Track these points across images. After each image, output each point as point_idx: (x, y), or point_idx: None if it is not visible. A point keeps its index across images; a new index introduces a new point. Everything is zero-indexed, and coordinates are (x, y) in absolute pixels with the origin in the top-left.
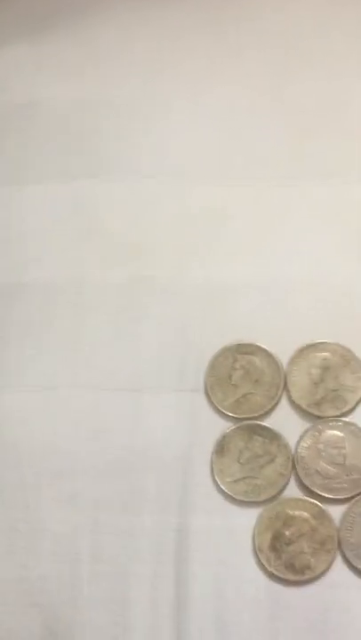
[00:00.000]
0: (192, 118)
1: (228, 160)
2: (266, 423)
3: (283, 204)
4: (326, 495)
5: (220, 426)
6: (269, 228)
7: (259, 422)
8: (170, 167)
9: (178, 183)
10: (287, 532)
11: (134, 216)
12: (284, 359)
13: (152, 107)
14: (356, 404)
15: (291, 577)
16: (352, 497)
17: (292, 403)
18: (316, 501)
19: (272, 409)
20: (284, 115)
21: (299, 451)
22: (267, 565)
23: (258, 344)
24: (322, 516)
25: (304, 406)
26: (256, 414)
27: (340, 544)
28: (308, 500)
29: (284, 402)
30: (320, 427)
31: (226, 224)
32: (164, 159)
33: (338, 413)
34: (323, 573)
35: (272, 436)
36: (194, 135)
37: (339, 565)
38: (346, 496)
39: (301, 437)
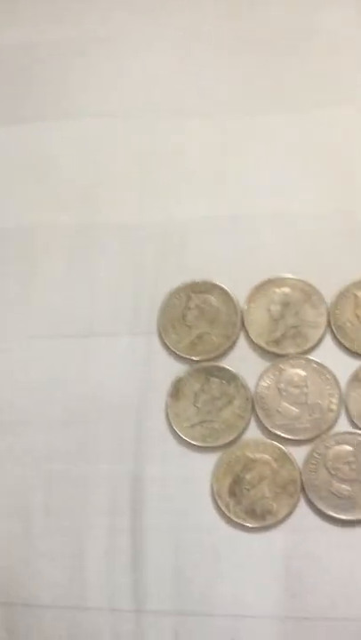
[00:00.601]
0: (145, 55)
1: (184, 95)
2: (223, 364)
3: (241, 138)
4: (288, 436)
5: (176, 369)
6: (228, 163)
7: (215, 363)
8: (123, 105)
9: (132, 121)
10: (247, 477)
11: (87, 157)
12: (242, 297)
13: (103, 45)
14: (319, 340)
15: (251, 523)
16: (315, 437)
17: (251, 341)
18: (277, 443)
19: (229, 349)
20: (240, 48)
21: (258, 391)
22: (226, 512)
23: (213, 282)
24: (284, 458)
25: (263, 345)
26: (212, 355)
27: (303, 487)
28: (269, 443)
29: (241, 341)
30: (281, 365)
31: (182, 161)
32: (118, 97)
33: (299, 351)
34: (285, 518)
35: (229, 376)
36: (147, 71)
37: (302, 509)
38: (308, 437)
39: (261, 377)
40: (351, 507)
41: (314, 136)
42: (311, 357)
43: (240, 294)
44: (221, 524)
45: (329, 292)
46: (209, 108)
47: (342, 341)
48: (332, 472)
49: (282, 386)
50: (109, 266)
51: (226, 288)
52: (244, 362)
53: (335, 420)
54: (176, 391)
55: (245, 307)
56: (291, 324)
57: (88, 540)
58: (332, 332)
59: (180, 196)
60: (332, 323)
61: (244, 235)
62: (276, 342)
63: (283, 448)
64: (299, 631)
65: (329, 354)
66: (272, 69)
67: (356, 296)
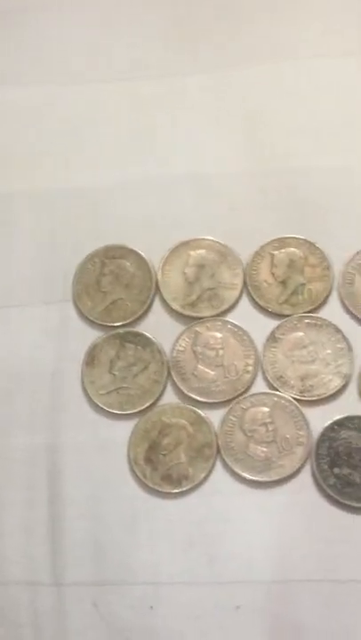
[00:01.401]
0: (59, 23)
1: (98, 60)
2: (138, 329)
3: (155, 101)
4: (204, 400)
5: (91, 336)
6: (140, 126)
7: (130, 329)
8: (34, 73)
9: (44, 88)
10: (163, 442)
11: (1, 126)
12: (157, 261)
13: (19, 14)
14: (235, 301)
15: (168, 489)
16: (231, 400)
17: (166, 305)
18: (193, 407)
19: (144, 314)
20: (153, 11)
21: (174, 355)
22: (143, 479)
23: (127, 246)
24: (200, 422)
25: (178, 308)
26: (128, 321)
27: (219, 450)
28: (184, 407)
29: (157, 305)
30: (196, 328)
31: (95, 126)
32: (28, 65)
33: (215, 313)
34: (201, 482)
35: (145, 342)
36: (61, 39)
37: (218, 472)
38: (225, 399)
39: (176, 341)
40: (267, 468)
41: (227, 97)
42: (227, 319)
43: (155, 258)
44: (139, 491)
45: (245, 252)
46: (123, 72)
47: (259, 302)
48: (249, 434)
49: (198, 349)
50: (22, 235)
51: (140, 252)
52: (159, 326)
53: (252, 382)
54: (91, 359)
55: (160, 271)
56: (206, 286)
57: (4, 512)
58: (248, 292)
59: (94, 161)
60: (248, 283)
61: (158, 198)
62: (192, 305)
63: (199, 412)
64: (216, 596)
65: (245, 315)
66: (186, 31)
67: (272, 255)
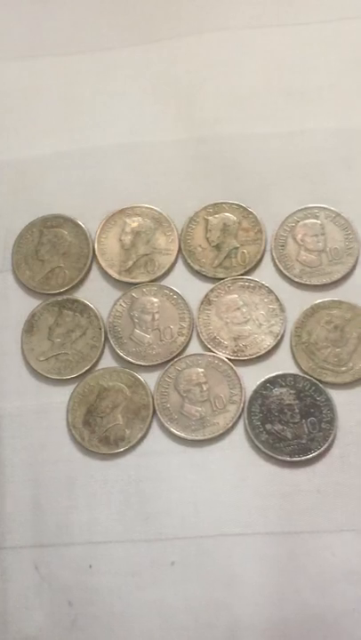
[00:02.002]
0: None
1: (32, 36)
2: (76, 296)
3: (87, 74)
4: (141, 363)
5: (31, 304)
6: (79, 96)
7: (68, 296)
8: None
9: None
10: (101, 405)
11: None
12: (94, 229)
13: None
14: (171, 266)
15: (106, 450)
16: (167, 362)
17: (103, 272)
18: (130, 370)
19: (82, 281)
20: None
21: (111, 320)
22: (81, 442)
23: (64, 215)
24: (136, 384)
25: (115, 274)
26: (66, 288)
27: (155, 411)
28: (122, 370)
29: (94, 273)
30: (133, 293)
31: (31, 100)
32: None
33: (151, 278)
34: (138, 443)
35: (82, 308)
36: None
37: (154, 433)
38: (160, 361)
39: (113, 306)
40: (201, 426)
41: (160, 68)
42: (163, 284)
43: (92, 227)
44: (77, 454)
45: (180, 218)
46: (56, 47)
47: (193, 266)
48: (183, 394)
49: (134, 314)
50: None
51: (77, 221)
52: (97, 293)
53: (186, 344)
54: (30, 326)
55: (97, 238)
56: (142, 252)
57: None
58: (183, 257)
59: (30, 134)
60: (183, 249)
61: (94, 168)
62: (128, 271)
63: (136, 375)
64: (152, 552)
65: (181, 279)
66: (118, 5)
67: (206, 220)
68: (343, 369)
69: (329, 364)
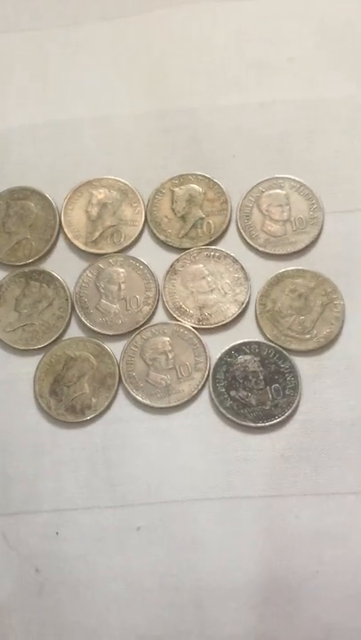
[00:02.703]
0: None
1: (4, 7)
2: (43, 267)
3: (58, 48)
4: (107, 332)
5: None
6: (47, 70)
7: (35, 267)
8: None
9: None
10: (68, 374)
11: None
12: (61, 201)
13: None
14: (137, 237)
15: (72, 419)
16: (133, 331)
17: (70, 243)
18: (96, 340)
19: (48, 253)
20: None
21: (77, 291)
22: (48, 411)
23: (31, 187)
24: (103, 353)
25: (81, 246)
26: (32, 259)
27: (120, 379)
28: (88, 340)
29: (61, 244)
30: (99, 264)
31: (2, 71)
32: None
33: (118, 249)
34: (104, 411)
35: (49, 279)
36: None
37: (120, 401)
38: (126, 331)
39: (80, 277)
40: (167, 394)
41: (126, 42)
42: (129, 254)
43: (58, 199)
44: (44, 423)
45: (147, 190)
46: (28, 21)
47: (159, 237)
48: (149, 363)
49: (101, 284)
50: None
51: (44, 193)
52: (63, 264)
53: (152, 314)
54: None
55: (63, 210)
56: (109, 223)
57: None
58: (149, 228)
59: (2, 109)
60: (149, 219)
61: (61, 140)
62: (95, 242)
63: (102, 344)
64: (118, 518)
65: (147, 250)
66: None
67: (172, 192)
68: (307, 336)
69: (293, 331)
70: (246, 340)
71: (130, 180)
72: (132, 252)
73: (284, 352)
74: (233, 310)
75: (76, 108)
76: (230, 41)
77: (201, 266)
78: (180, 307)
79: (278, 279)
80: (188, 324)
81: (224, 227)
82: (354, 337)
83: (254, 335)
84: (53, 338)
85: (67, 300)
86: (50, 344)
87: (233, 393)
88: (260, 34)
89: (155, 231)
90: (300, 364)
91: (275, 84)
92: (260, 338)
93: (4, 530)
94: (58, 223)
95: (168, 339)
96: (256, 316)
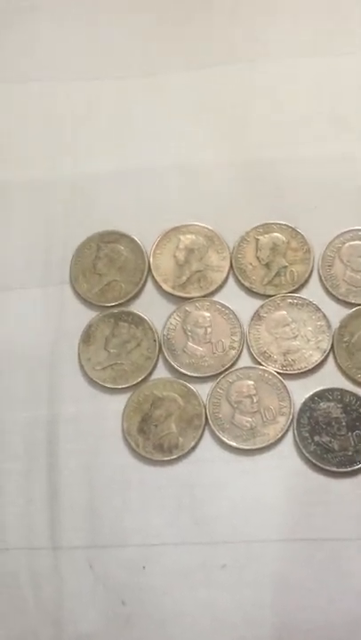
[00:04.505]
0: (56, 24)
1: (92, 59)
2: (132, 309)
3: (145, 97)
4: (194, 374)
5: (88, 316)
6: (134, 118)
7: (124, 309)
8: (34, 69)
9: (43, 83)
10: (155, 414)
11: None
12: (149, 245)
13: (16, 14)
14: (222, 283)
15: (159, 457)
16: (219, 374)
17: (158, 286)
18: (183, 381)
19: (137, 295)
20: (141, 9)
21: (165, 333)
22: (135, 448)
23: (121, 231)
24: (189, 394)
25: (169, 289)
26: (121, 301)
27: (207, 420)
28: (175, 381)
29: (149, 287)
30: (186, 308)
31: (91, 118)
32: (28, 62)
33: (204, 293)
34: (190, 451)
35: (137, 320)
36: (57, 37)
37: (206, 441)
38: (212, 373)
39: (167, 319)
40: (252, 436)
41: (209, 93)
42: (215, 299)
43: (147, 243)
44: (131, 460)
45: (231, 237)
46: (115, 69)
47: (244, 283)
48: (235, 405)
49: (187, 327)
50: (21, 222)
51: (133, 237)
52: (151, 306)
53: (237, 357)
54: (87, 337)
55: (152, 254)
56: (195, 268)
57: (6, 482)
58: (234, 274)
59: (88, 152)
60: (234, 266)
61: (150, 186)
62: (182, 286)
63: (188, 385)
64: (203, 555)
65: (232, 295)
66: (169, 31)
67: (256, 240)
68: None
69: None
70: (329, 387)
71: (215, 227)
72: (218, 297)
73: None
74: (316, 357)
75: (161, 155)
76: (308, 95)
77: (285, 313)
78: (265, 352)
79: (359, 313)
80: (272, 369)
81: (307, 275)
82: None
83: (337, 382)
84: (141, 377)
85: (154, 341)
86: (138, 384)
87: (317, 438)
88: (336, 89)
89: (240, 277)
90: None
91: (356, 137)
92: (341, 384)
93: (92, 561)
94: (147, 266)
95: (253, 382)
96: (333, 345)
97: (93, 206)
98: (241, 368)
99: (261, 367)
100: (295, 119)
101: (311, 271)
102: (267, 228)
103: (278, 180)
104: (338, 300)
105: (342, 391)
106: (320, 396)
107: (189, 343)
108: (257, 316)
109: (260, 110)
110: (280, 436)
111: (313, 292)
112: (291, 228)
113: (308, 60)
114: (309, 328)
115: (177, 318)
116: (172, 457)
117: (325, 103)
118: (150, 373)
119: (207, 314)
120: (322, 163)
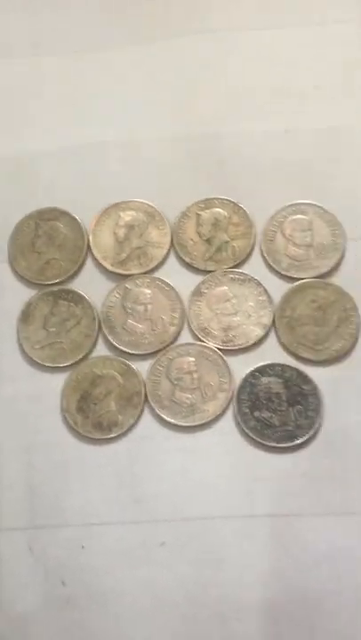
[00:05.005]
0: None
1: (39, 36)
2: (71, 287)
3: (87, 72)
4: (133, 352)
5: (27, 294)
6: (77, 94)
7: (63, 287)
8: None
9: None
10: (95, 392)
11: None
12: (89, 222)
13: None
14: (163, 259)
15: (99, 436)
16: (158, 351)
17: (97, 264)
18: (123, 359)
19: (77, 272)
20: None
21: (105, 310)
22: (75, 427)
23: (60, 208)
24: (129, 372)
25: (109, 266)
26: (61, 279)
27: (146, 398)
28: (115, 359)
29: (89, 264)
30: (126, 285)
31: (33, 94)
32: None
33: (144, 270)
34: (130, 429)
35: (77, 298)
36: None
37: (146, 419)
38: (152, 350)
39: (107, 297)
40: (191, 413)
41: (154, 68)
42: (155, 276)
43: (86, 220)
44: (71, 439)
45: (173, 213)
46: (58, 45)
47: (185, 259)
48: (175, 382)
49: (127, 304)
50: None
51: (73, 214)
52: (91, 284)
53: (178, 334)
54: (26, 316)
55: (91, 231)
56: (135, 245)
57: None
58: (175, 250)
59: (30, 129)
60: (175, 242)
61: (92, 163)
62: (122, 263)
63: (128, 363)
64: (143, 533)
65: (172, 272)
66: (113, 7)
67: (197, 215)
68: (319, 347)
69: (308, 340)
70: (270, 362)
71: (156, 204)
72: (158, 274)
73: (307, 375)
74: (257, 332)
75: (104, 131)
76: (255, 68)
77: (226, 288)
78: (205, 328)
79: (301, 288)
80: (212, 346)
81: (248, 250)
82: None
83: (278, 357)
84: (81, 356)
85: (94, 319)
86: (77, 362)
87: (257, 413)
88: (283, 62)
89: (180, 253)
90: (319, 380)
91: (300, 110)
92: (283, 360)
93: (31, 542)
94: (86, 244)
95: (193, 359)
96: (274, 320)
97: (34, 183)
98: (181, 345)
99: (202, 343)
100: (239, 93)
101: (253, 246)
102: (208, 203)
103: (221, 155)
104: (280, 275)
105: (283, 366)
106: (261, 371)
107: (129, 320)
108: (198, 292)
109: (204, 85)
110: (220, 412)
111: (255, 267)
112: (233, 202)
113: (251, 33)
114: (251, 303)
115: (117, 295)
116: (112, 435)
117: (269, 77)
118: (90, 352)
119: (147, 291)
120: (266, 136)
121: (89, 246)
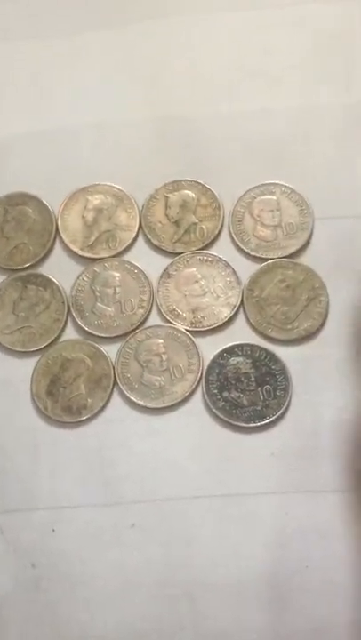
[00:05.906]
0: None
1: (10, 19)
2: (40, 271)
3: (60, 56)
4: (102, 335)
5: None
6: (47, 78)
7: (32, 271)
8: None
9: None
10: (64, 376)
11: None
12: (57, 206)
13: None
14: (132, 242)
15: (68, 419)
16: (127, 333)
17: (66, 248)
18: (92, 342)
19: (45, 257)
20: None
21: (73, 294)
22: (44, 411)
23: (29, 193)
24: (98, 355)
25: (77, 250)
26: (29, 264)
27: (115, 380)
28: (84, 342)
29: (57, 249)
30: (95, 268)
31: (3, 79)
32: None
33: (113, 253)
34: (99, 412)
35: (46, 282)
36: None
37: (115, 401)
38: (121, 333)
39: (76, 281)
40: (161, 395)
41: (123, 48)
42: (124, 259)
43: (55, 204)
44: (40, 423)
45: (142, 196)
46: (25, 30)
47: (153, 241)
48: (144, 364)
49: (96, 287)
50: None
51: (41, 198)
52: (60, 268)
53: (146, 316)
54: None
55: (60, 215)
56: (104, 228)
57: None
58: (143, 233)
59: (1, 113)
60: (143, 225)
61: (62, 146)
62: (91, 247)
63: (97, 346)
64: (114, 516)
65: (141, 254)
66: None
67: (166, 198)
68: (288, 327)
69: (276, 320)
70: (238, 343)
71: (125, 186)
72: (127, 257)
73: (276, 355)
74: (225, 313)
75: (73, 114)
76: (225, 50)
77: (194, 270)
78: (174, 310)
79: (269, 268)
80: (181, 327)
81: (216, 232)
82: (334, 334)
83: (246, 337)
84: (50, 340)
85: (63, 303)
86: (47, 346)
87: (225, 394)
88: (253, 43)
89: (149, 236)
90: (287, 357)
91: (267, 92)
92: (251, 340)
93: (1, 526)
94: (55, 228)
95: (162, 341)
96: (243, 300)
97: (3, 168)
98: (150, 327)
99: (170, 325)
100: (208, 75)
101: (221, 227)
102: (176, 185)
103: (190, 137)
104: (248, 256)
105: (252, 346)
106: (229, 351)
107: (98, 304)
108: (166, 274)
109: (175, 67)
110: (189, 393)
111: (223, 248)
112: (200, 184)
113: (222, 14)
114: (219, 284)
115: (85, 279)
116: (82, 418)
117: (239, 58)
118: (59, 336)
119: (116, 274)
120: (234, 118)
121: (57, 230)
